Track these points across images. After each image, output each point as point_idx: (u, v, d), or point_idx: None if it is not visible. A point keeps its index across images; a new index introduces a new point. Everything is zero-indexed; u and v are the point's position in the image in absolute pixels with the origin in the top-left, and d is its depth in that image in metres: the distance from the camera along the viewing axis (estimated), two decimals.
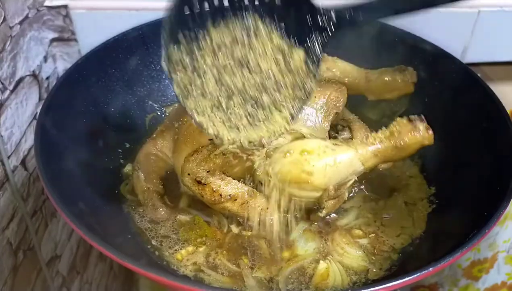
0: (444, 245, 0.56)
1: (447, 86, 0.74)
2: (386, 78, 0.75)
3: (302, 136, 0.64)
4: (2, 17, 0.70)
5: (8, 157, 0.72)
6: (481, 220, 0.53)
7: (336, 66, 0.76)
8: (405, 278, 0.46)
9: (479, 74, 0.74)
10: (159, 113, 0.82)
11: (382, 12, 0.57)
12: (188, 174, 0.61)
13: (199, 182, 0.60)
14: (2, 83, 0.70)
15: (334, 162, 0.59)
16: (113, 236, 0.59)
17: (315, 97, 0.67)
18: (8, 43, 0.71)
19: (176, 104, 0.80)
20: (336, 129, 0.73)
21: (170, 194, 0.69)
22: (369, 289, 0.46)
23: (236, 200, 0.61)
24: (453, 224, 0.61)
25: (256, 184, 0.63)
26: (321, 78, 0.73)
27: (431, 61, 0.77)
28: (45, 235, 0.83)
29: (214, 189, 0.60)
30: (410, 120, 0.62)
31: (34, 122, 0.79)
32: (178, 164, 0.66)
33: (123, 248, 0.58)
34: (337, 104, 0.69)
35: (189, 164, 0.61)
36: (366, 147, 0.61)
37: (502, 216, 0.53)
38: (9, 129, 0.72)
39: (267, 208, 0.63)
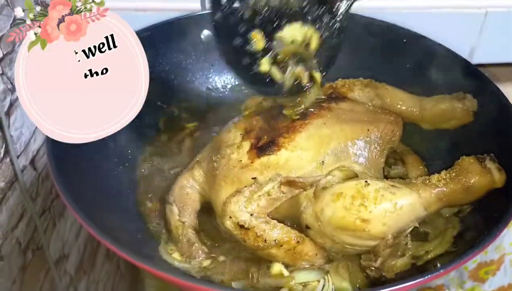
0: (454, 248, 0.56)
1: (455, 87, 0.74)
2: (443, 107, 0.70)
3: (355, 175, 0.59)
4: (12, 18, 0.70)
5: (18, 157, 0.72)
6: (490, 222, 0.53)
7: (387, 93, 0.72)
8: (415, 280, 0.46)
9: (486, 75, 0.74)
10: (168, 112, 0.82)
11: None
12: (230, 217, 0.56)
13: (242, 226, 0.55)
14: (12, 84, 0.70)
15: (395, 208, 0.54)
16: (122, 234, 0.59)
17: (368, 130, 0.62)
18: (18, 44, 0.71)
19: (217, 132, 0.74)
20: (388, 163, 0.68)
21: (206, 230, 0.65)
22: None
23: (282, 246, 0.56)
24: (463, 227, 0.61)
25: (303, 227, 0.58)
26: (372, 107, 0.69)
27: (439, 62, 0.77)
28: (53, 235, 0.84)
29: (258, 234, 0.55)
30: (478, 159, 0.57)
31: None
32: (216, 201, 0.61)
33: (132, 246, 0.58)
34: (393, 138, 0.64)
35: (231, 206, 0.56)
36: (430, 190, 0.55)
37: None
38: (19, 129, 0.72)
39: (316, 255, 0.58)
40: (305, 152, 0.59)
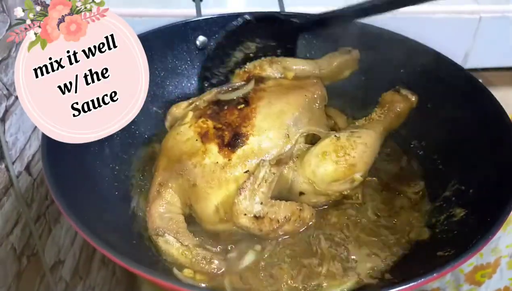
0: (448, 251, 0.56)
1: (449, 92, 0.75)
2: (336, 62, 0.80)
3: (314, 136, 0.67)
4: (8, 24, 0.70)
5: (13, 163, 0.72)
6: (484, 225, 0.53)
7: (290, 64, 0.78)
8: (409, 283, 0.47)
9: (480, 80, 0.74)
10: (163, 118, 0.82)
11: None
12: (244, 214, 0.58)
13: (258, 218, 0.58)
14: (8, 89, 0.70)
15: (366, 147, 0.63)
16: (118, 240, 0.59)
17: (305, 95, 0.70)
18: (13, 49, 0.72)
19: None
20: None
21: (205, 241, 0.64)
22: None
23: (291, 219, 0.61)
24: (457, 230, 0.61)
25: (296, 196, 0.63)
26: (286, 78, 0.76)
27: (433, 67, 0.78)
28: (49, 240, 0.84)
29: (271, 218, 0.59)
30: (396, 91, 0.72)
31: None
32: (205, 210, 0.62)
33: (127, 252, 0.58)
34: (323, 97, 0.73)
35: (242, 204, 0.58)
36: (379, 125, 0.68)
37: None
38: (14, 135, 0.72)
39: (312, 214, 0.64)
40: (269, 131, 0.64)
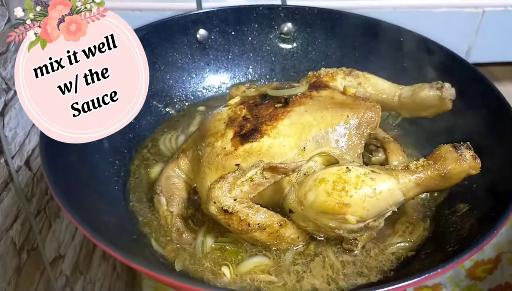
0: (451, 246, 0.56)
1: (453, 86, 0.74)
2: (422, 95, 0.70)
3: (335, 160, 0.60)
4: (6, 18, 0.70)
5: (12, 157, 0.72)
6: (488, 220, 0.53)
7: (368, 82, 0.72)
8: (413, 279, 0.46)
9: (484, 74, 0.74)
10: (163, 112, 0.82)
11: None
12: (214, 202, 0.57)
13: (225, 211, 0.56)
14: (7, 84, 0.70)
15: (374, 193, 0.55)
16: (117, 235, 0.59)
17: (347, 116, 0.63)
18: (12, 43, 0.71)
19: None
20: (369, 150, 0.69)
21: (194, 216, 0.67)
22: None
23: (265, 229, 0.58)
24: (461, 225, 0.61)
25: (287, 211, 0.60)
26: (353, 95, 0.69)
27: (437, 61, 0.77)
28: (49, 235, 0.83)
29: (242, 218, 0.57)
30: (455, 147, 0.57)
31: None
32: (201, 188, 0.64)
33: (127, 247, 0.58)
34: (372, 125, 0.64)
35: (215, 192, 0.57)
36: (408, 176, 0.56)
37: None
38: (13, 129, 0.72)
39: (298, 238, 0.61)
40: (287, 138, 0.61)
